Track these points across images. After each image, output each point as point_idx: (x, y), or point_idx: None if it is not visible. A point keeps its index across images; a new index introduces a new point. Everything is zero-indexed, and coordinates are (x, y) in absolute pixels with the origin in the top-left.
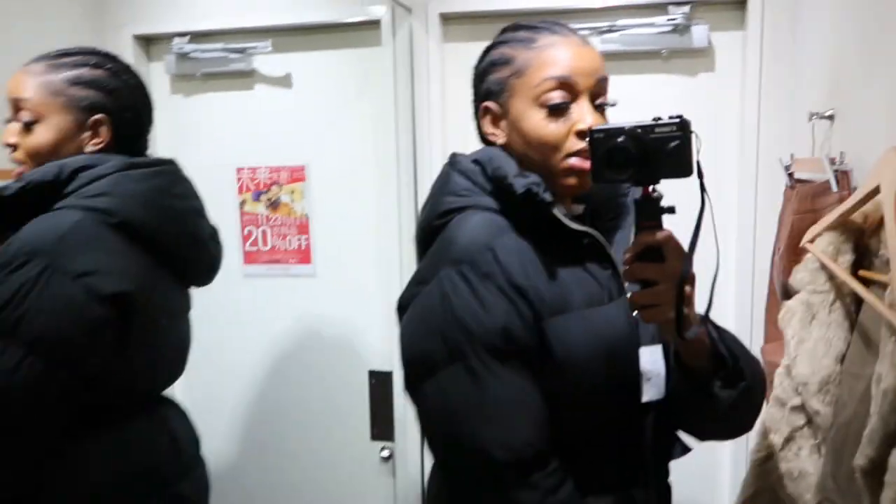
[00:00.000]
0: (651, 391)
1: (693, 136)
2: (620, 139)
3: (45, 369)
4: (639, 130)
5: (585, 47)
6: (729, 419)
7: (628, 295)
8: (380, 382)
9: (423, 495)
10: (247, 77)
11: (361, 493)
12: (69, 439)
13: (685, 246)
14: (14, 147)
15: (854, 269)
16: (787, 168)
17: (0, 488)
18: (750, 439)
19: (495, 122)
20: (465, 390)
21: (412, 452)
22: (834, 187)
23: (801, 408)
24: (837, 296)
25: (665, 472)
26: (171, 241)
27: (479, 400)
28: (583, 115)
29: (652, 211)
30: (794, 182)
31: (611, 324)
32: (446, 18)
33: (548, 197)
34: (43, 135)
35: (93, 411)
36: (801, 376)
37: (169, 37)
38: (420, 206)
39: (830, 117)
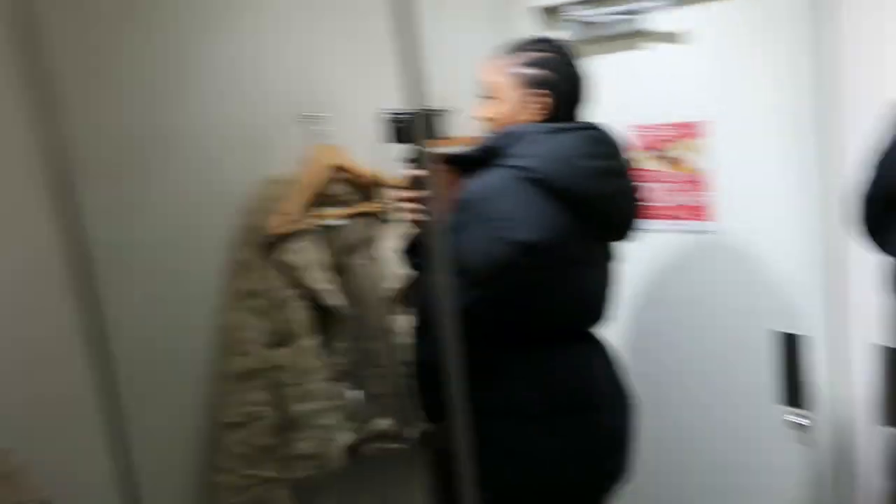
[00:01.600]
0: None
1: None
2: None
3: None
4: None
5: None
6: None
7: None
8: (789, 345)
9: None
10: (642, 36)
11: (763, 460)
12: (504, 358)
13: None
14: (482, 118)
15: None
16: None
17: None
18: None
19: None
20: None
21: (828, 421)
22: None
23: None
24: None
25: None
26: (583, 196)
27: None
28: None
29: None
30: None
31: None
32: None
33: None
34: (503, 108)
35: (518, 338)
36: None
37: (563, 6)
38: (844, 159)
39: None
